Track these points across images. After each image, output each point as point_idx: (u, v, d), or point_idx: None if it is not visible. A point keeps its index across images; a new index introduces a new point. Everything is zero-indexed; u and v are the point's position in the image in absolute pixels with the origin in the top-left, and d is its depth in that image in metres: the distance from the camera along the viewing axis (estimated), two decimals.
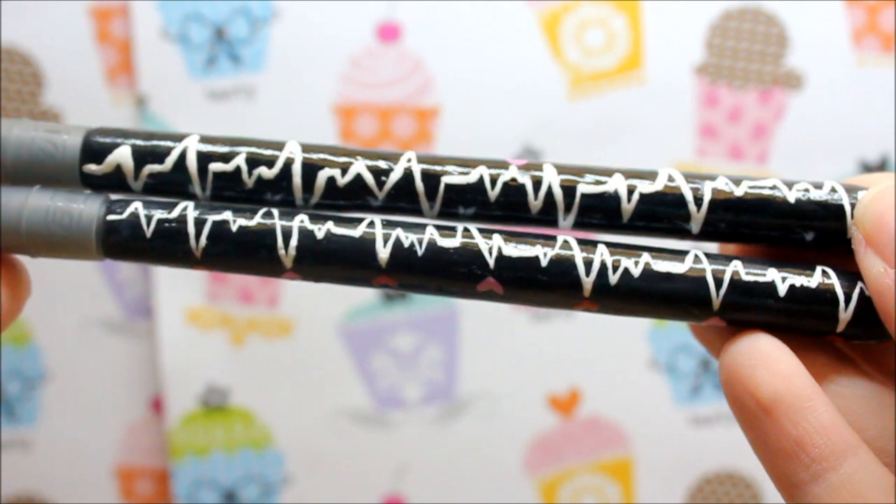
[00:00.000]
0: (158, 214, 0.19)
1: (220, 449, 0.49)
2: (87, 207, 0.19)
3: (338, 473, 0.50)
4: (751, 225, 0.19)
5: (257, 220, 0.19)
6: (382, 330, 0.49)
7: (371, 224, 0.19)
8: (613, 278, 0.19)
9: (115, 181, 0.20)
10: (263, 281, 0.48)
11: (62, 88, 0.47)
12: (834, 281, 0.19)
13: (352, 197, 0.20)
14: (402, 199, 0.20)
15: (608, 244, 0.19)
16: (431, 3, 0.47)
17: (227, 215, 0.19)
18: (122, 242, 0.19)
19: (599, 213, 0.19)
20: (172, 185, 0.20)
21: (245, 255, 0.19)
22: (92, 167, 0.19)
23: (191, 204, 0.19)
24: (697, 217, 0.19)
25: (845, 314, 0.19)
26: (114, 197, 0.20)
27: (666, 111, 0.47)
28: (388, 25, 0.47)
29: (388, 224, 0.19)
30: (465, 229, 0.19)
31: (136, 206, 0.19)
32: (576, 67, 0.47)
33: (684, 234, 0.20)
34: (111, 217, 0.19)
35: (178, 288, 0.48)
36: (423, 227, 0.19)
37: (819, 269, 0.19)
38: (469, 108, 0.47)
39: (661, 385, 0.49)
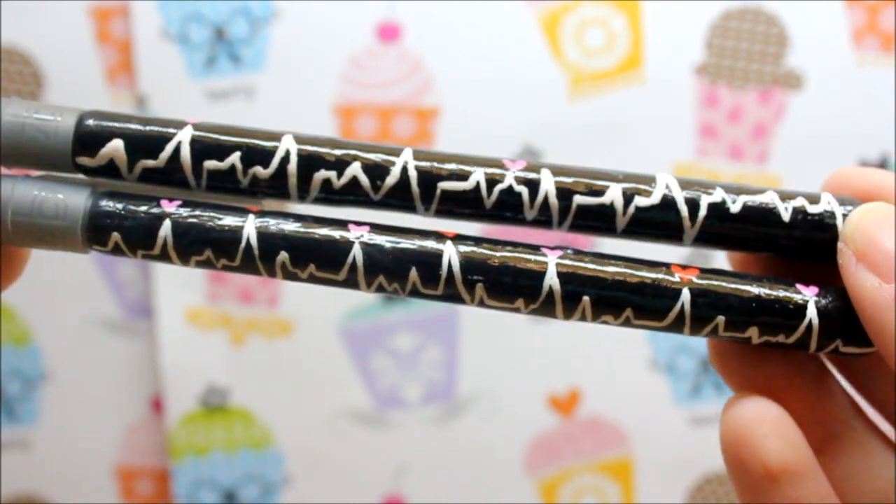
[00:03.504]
0: (141, 248, 0.19)
1: (220, 449, 0.49)
2: (73, 199, 0.19)
3: (338, 473, 0.50)
4: (743, 240, 0.20)
5: (239, 259, 0.19)
6: (382, 330, 0.49)
7: (353, 268, 0.19)
8: (587, 324, 0.19)
9: (108, 170, 0.19)
10: (263, 281, 0.48)
11: (62, 88, 0.47)
12: (806, 294, 0.19)
13: (347, 196, 0.19)
14: (398, 200, 0.19)
15: (594, 285, 0.19)
16: (431, 3, 0.47)
17: (207, 254, 0.19)
18: (108, 241, 0.19)
19: (594, 222, 0.20)
20: (167, 182, 0.19)
21: (236, 272, 0.20)
22: (84, 160, 0.19)
23: (169, 232, 0.19)
24: (691, 232, 0.19)
25: (816, 328, 0.19)
26: (102, 189, 0.19)
27: (666, 111, 0.47)
28: (388, 25, 0.47)
29: (370, 267, 0.19)
30: (449, 278, 0.19)
31: (120, 211, 0.19)
32: (576, 67, 0.47)
33: (676, 241, 0.20)
34: (97, 211, 0.19)
35: (178, 288, 0.48)
36: (407, 269, 0.19)
37: (790, 282, 0.19)
38: (469, 108, 0.47)
39: (661, 385, 0.49)
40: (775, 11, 0.47)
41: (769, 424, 0.18)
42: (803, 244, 0.20)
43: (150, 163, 0.19)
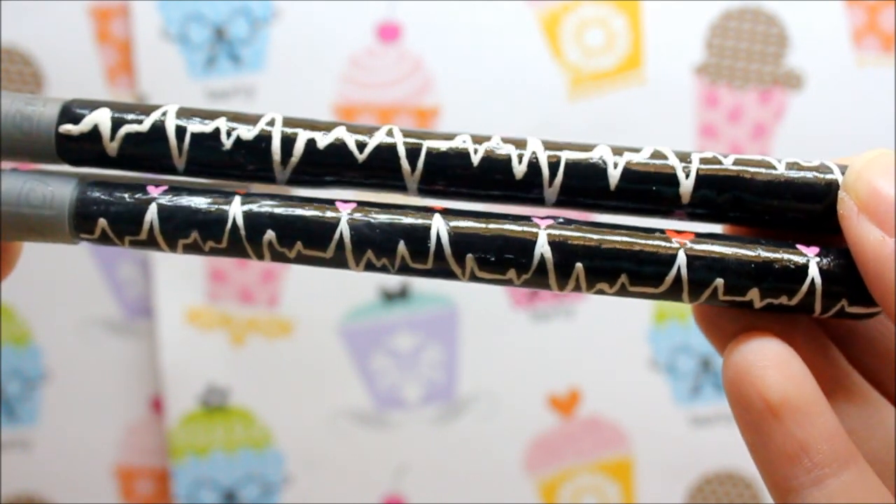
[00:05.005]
0: (128, 234, 0.19)
1: (220, 449, 0.49)
2: (60, 189, 0.19)
3: (338, 473, 0.50)
4: (740, 202, 0.19)
5: (226, 241, 0.19)
6: (382, 330, 0.49)
7: (341, 244, 0.19)
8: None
9: (91, 149, 0.19)
10: (263, 281, 0.48)
11: (62, 88, 0.47)
12: (807, 253, 0.19)
13: (331, 163, 0.19)
14: (383, 167, 0.19)
15: (587, 252, 0.19)
16: (431, 3, 0.47)
17: (194, 237, 0.19)
18: (94, 228, 0.19)
19: (585, 184, 0.19)
20: (149, 153, 0.19)
21: (223, 255, 0.20)
22: (69, 126, 0.19)
23: (155, 215, 0.19)
24: (686, 185, 0.19)
25: (819, 288, 0.18)
26: (89, 180, 0.20)
27: (666, 111, 0.47)
28: (388, 25, 0.47)
29: (358, 242, 0.19)
30: (438, 250, 0.19)
31: (107, 198, 0.19)
32: (576, 67, 0.47)
33: (672, 210, 0.20)
34: (84, 198, 0.19)
35: (178, 288, 0.48)
36: (395, 242, 0.19)
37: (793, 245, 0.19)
38: (469, 108, 0.47)
39: (661, 385, 0.49)
40: (775, 11, 0.47)
41: (770, 357, 0.17)
42: (802, 213, 0.19)
43: (133, 128, 0.19)
